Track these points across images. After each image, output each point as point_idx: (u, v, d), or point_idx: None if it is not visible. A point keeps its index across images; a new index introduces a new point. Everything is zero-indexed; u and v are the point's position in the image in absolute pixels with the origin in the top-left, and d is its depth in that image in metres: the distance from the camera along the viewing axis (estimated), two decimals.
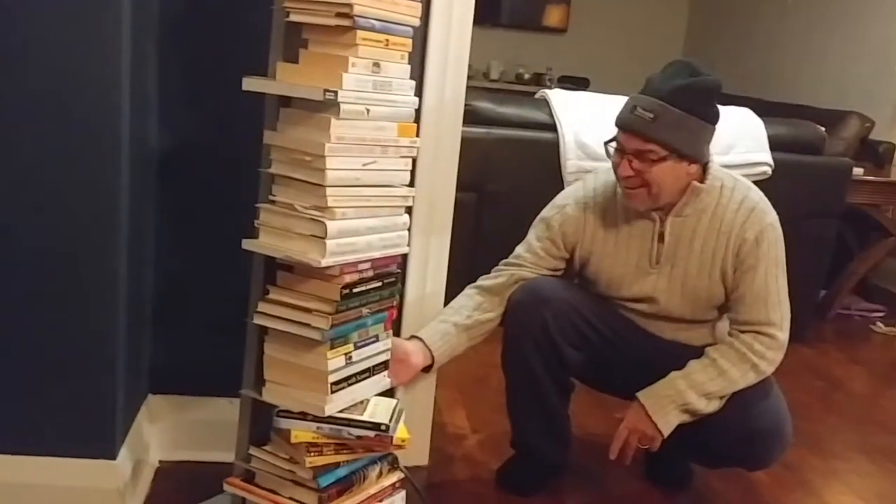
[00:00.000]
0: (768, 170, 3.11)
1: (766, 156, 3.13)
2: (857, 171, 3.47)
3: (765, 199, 1.90)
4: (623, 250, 1.92)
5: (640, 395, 1.84)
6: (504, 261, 2.00)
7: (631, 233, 1.91)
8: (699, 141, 1.80)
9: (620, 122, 1.81)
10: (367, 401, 1.61)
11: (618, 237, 1.92)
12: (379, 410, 1.60)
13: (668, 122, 1.74)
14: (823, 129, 3.34)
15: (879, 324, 3.82)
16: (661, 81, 1.77)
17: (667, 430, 1.81)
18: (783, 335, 1.85)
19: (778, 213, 1.89)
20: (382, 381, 1.65)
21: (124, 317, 1.67)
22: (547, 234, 1.95)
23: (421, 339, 1.86)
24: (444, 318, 1.91)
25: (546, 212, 1.99)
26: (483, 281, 1.98)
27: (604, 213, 1.93)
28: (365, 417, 1.56)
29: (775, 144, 3.16)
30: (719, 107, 1.82)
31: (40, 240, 1.59)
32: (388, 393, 1.69)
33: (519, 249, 1.99)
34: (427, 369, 1.88)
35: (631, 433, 1.83)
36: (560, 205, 1.97)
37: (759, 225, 1.84)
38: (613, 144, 1.84)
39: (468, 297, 1.95)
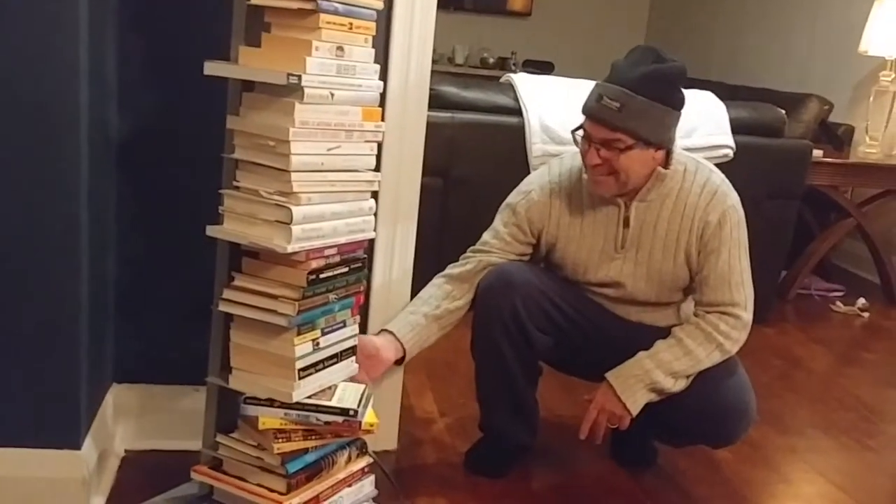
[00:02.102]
0: (730, 152, 3.15)
1: (727, 138, 3.16)
2: (817, 153, 3.52)
3: (726, 181, 1.92)
4: (588, 235, 1.93)
5: (609, 375, 1.86)
6: (471, 248, 2.00)
7: (596, 218, 1.93)
8: (665, 127, 1.81)
9: (587, 111, 1.81)
10: (335, 386, 1.61)
11: (583, 222, 1.93)
12: (347, 396, 1.60)
13: (634, 111, 1.75)
14: (784, 111, 3.38)
15: (839, 303, 3.90)
16: (625, 69, 1.77)
17: (635, 409, 1.83)
18: (747, 315, 1.88)
19: (739, 195, 1.92)
20: (350, 366, 1.65)
21: (87, 305, 1.64)
22: (513, 219, 1.96)
23: (391, 332, 1.85)
24: (413, 310, 1.91)
25: (512, 198, 1.99)
26: (451, 269, 1.98)
27: (569, 199, 1.94)
28: (333, 403, 1.56)
29: (737, 127, 3.20)
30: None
31: None
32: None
33: (486, 236, 1.99)
34: (399, 362, 1.88)
35: (600, 413, 1.86)
36: (525, 190, 1.98)
37: (721, 207, 1.87)
38: (580, 132, 1.85)
39: (436, 286, 1.95)
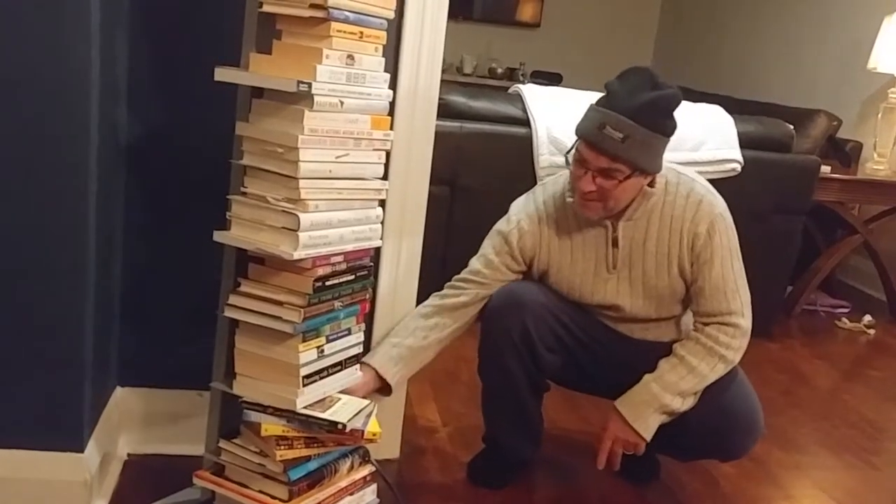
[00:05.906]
0: (737, 167, 3.15)
1: (735, 153, 3.16)
2: (825, 168, 3.52)
3: (711, 189, 1.90)
4: (579, 259, 1.92)
5: (618, 404, 1.85)
6: (461, 276, 1.95)
7: (585, 241, 1.91)
8: (660, 156, 1.80)
9: (588, 138, 1.76)
10: (338, 399, 1.60)
11: (573, 247, 1.92)
12: (343, 409, 1.58)
13: (636, 143, 1.72)
14: (792, 127, 3.38)
15: (844, 319, 3.88)
16: (625, 96, 1.73)
17: (648, 435, 1.82)
18: (745, 322, 1.86)
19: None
20: (354, 374, 1.65)
21: (92, 308, 1.65)
22: (506, 249, 1.93)
23: (373, 368, 1.81)
24: (396, 342, 1.87)
25: (502, 226, 1.95)
26: (443, 300, 1.93)
27: (556, 225, 1.92)
28: (325, 415, 1.54)
29: (745, 142, 3.19)
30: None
31: (6, 229, 1.56)
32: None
33: (477, 265, 1.94)
34: (383, 391, 1.84)
35: (615, 442, 1.84)
36: (515, 220, 1.94)
37: (709, 217, 1.85)
38: (573, 154, 1.82)
39: (424, 317, 1.91)
